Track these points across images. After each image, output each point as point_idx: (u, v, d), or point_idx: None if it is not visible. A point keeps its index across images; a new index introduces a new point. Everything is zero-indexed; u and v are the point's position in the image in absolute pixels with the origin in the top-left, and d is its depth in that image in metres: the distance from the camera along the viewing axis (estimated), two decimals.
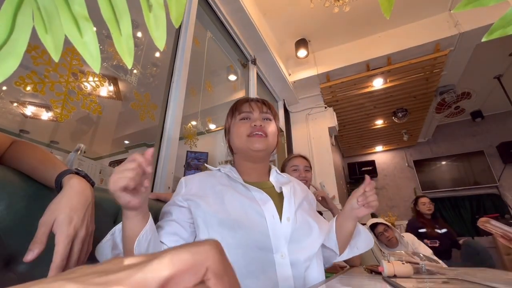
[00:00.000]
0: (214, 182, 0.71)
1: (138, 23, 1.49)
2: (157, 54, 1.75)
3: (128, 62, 0.22)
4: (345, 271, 0.92)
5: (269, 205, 0.65)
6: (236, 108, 0.79)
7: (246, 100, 0.79)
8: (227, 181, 0.72)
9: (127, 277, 0.12)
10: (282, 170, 1.49)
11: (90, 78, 1.25)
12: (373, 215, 4.46)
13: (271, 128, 0.75)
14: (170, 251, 0.14)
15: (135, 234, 0.51)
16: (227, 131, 0.81)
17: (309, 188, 1.47)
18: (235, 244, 0.58)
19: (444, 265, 1.20)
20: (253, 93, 2.45)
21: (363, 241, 0.79)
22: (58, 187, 0.51)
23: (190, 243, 0.15)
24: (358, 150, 5.34)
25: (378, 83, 3.14)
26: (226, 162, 0.88)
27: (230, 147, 0.80)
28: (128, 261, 0.14)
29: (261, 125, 0.72)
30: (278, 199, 0.69)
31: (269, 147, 0.74)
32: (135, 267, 0.13)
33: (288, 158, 1.56)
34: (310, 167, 1.52)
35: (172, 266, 0.13)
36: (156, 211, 0.74)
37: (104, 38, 1.31)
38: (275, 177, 0.78)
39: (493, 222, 0.73)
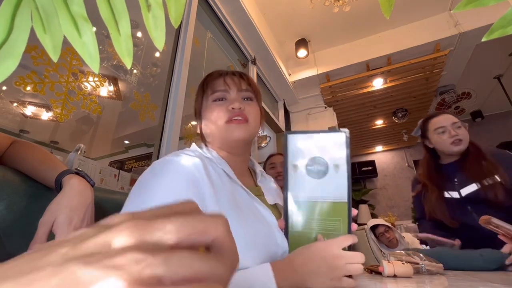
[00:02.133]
0: (217, 177, 0.54)
1: (137, 23, 1.49)
2: (157, 54, 1.76)
3: (127, 62, 0.22)
4: None
5: (278, 234, 0.53)
6: (207, 85, 0.62)
7: (219, 75, 0.63)
8: (228, 180, 0.56)
9: (138, 239, 0.12)
10: (264, 169, 1.49)
11: (90, 78, 1.25)
12: (373, 216, 4.46)
13: (253, 110, 0.61)
14: (181, 216, 0.14)
15: None
16: (198, 115, 0.65)
17: None
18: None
19: None
20: None
21: None
22: (58, 187, 0.51)
23: (201, 213, 0.15)
24: (358, 150, 5.34)
25: (378, 83, 3.14)
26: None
27: (202, 135, 0.65)
28: (135, 219, 0.14)
29: (240, 108, 0.58)
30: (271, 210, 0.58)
31: (252, 134, 0.60)
32: (145, 226, 0.13)
33: (267, 158, 1.64)
34: None
35: (183, 230, 0.13)
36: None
37: (104, 38, 1.31)
38: (262, 182, 0.66)
39: (495, 220, 0.71)
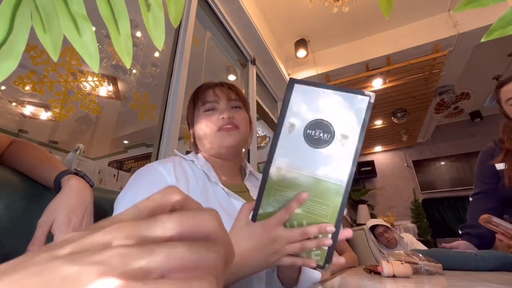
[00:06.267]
0: (193, 177, 0.59)
1: (137, 23, 1.49)
2: (157, 54, 1.75)
3: (127, 62, 0.22)
4: (344, 271, 0.92)
5: None
6: (198, 97, 0.68)
7: (209, 87, 0.68)
8: (206, 181, 0.60)
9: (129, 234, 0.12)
10: None
11: (89, 78, 1.24)
12: (373, 216, 4.47)
13: (242, 117, 0.65)
14: (177, 214, 0.14)
15: None
16: (191, 125, 0.69)
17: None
18: None
19: None
20: (253, 93, 2.45)
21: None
22: (57, 187, 0.51)
23: (192, 205, 0.16)
24: None
25: (377, 84, 3.14)
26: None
27: (195, 143, 0.69)
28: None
29: (230, 117, 0.62)
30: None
31: (242, 140, 0.64)
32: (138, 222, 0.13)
33: None
34: None
35: (174, 226, 0.13)
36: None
37: (103, 37, 1.31)
38: (250, 181, 0.70)
39: (495, 219, 0.71)
